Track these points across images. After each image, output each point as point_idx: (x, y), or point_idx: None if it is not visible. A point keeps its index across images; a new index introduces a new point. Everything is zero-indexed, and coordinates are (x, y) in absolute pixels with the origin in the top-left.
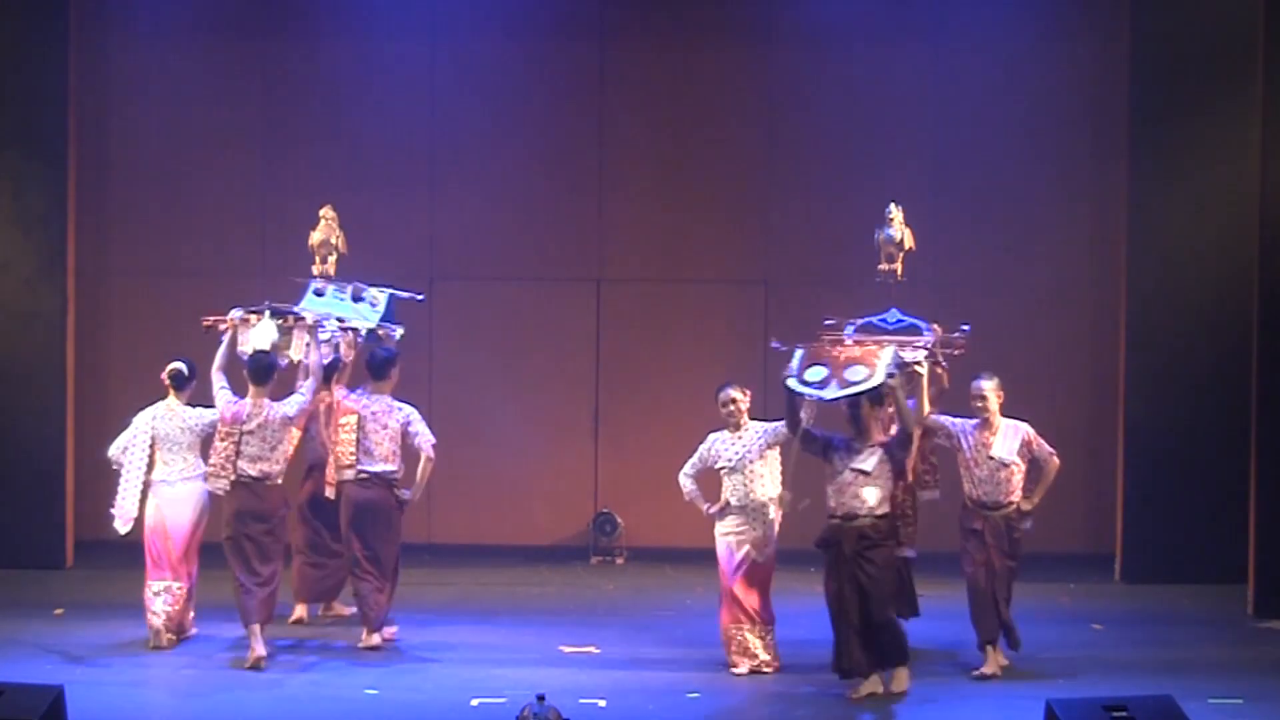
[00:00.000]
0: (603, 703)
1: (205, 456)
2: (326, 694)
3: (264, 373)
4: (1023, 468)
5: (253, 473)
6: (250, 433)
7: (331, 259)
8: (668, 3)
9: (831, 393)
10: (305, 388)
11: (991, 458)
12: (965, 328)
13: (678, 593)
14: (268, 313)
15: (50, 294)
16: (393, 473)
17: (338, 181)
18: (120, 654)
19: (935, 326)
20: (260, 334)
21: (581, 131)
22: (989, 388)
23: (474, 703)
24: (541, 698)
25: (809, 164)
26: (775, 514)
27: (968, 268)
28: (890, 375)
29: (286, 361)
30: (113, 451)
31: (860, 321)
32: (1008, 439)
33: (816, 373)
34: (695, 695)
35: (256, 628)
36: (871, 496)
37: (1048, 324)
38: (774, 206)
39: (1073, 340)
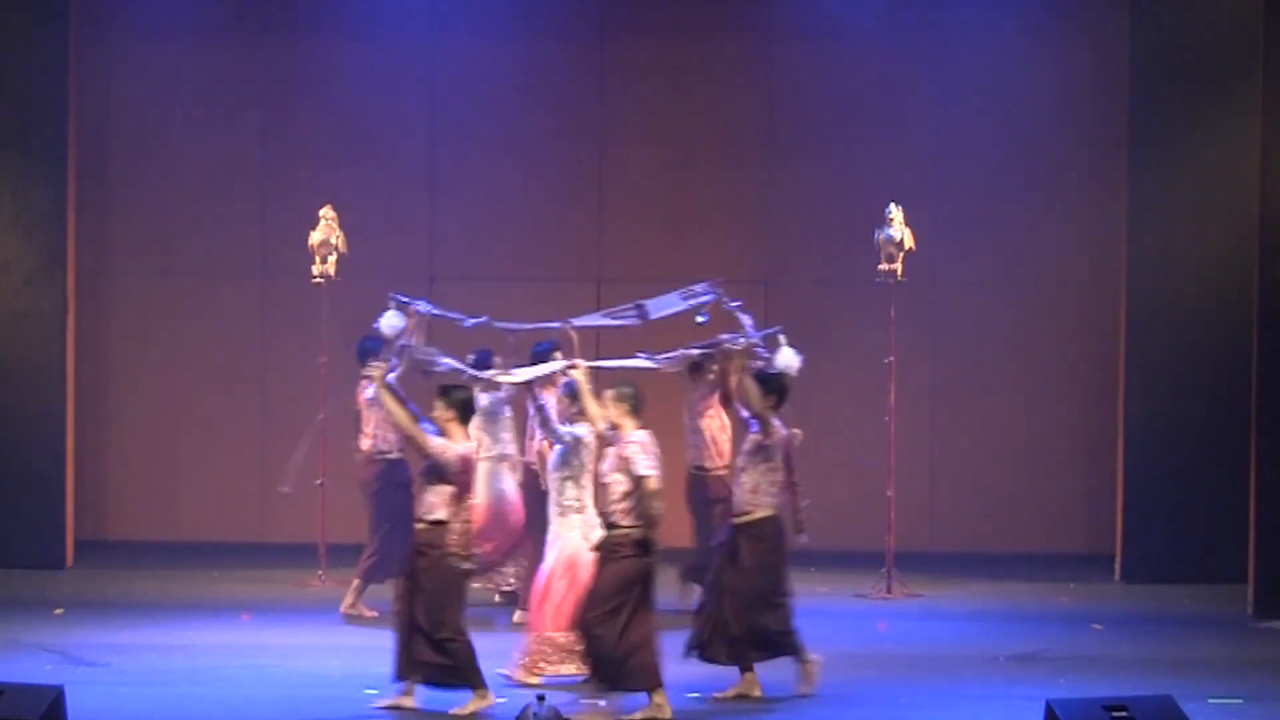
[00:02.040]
0: (603, 702)
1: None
2: (327, 693)
3: (360, 356)
4: (626, 485)
5: (361, 446)
6: (357, 411)
7: (331, 259)
8: (668, 2)
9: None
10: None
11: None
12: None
13: (677, 592)
14: (392, 301)
15: (50, 294)
16: (529, 462)
17: (338, 181)
18: (120, 654)
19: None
20: (384, 320)
21: (581, 131)
22: (608, 397)
23: None
24: (542, 698)
25: (809, 163)
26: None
27: (968, 268)
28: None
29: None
30: None
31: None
32: (616, 455)
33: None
34: (695, 695)
35: (356, 582)
36: (424, 500)
37: (1048, 324)
38: (774, 206)
39: (1073, 340)
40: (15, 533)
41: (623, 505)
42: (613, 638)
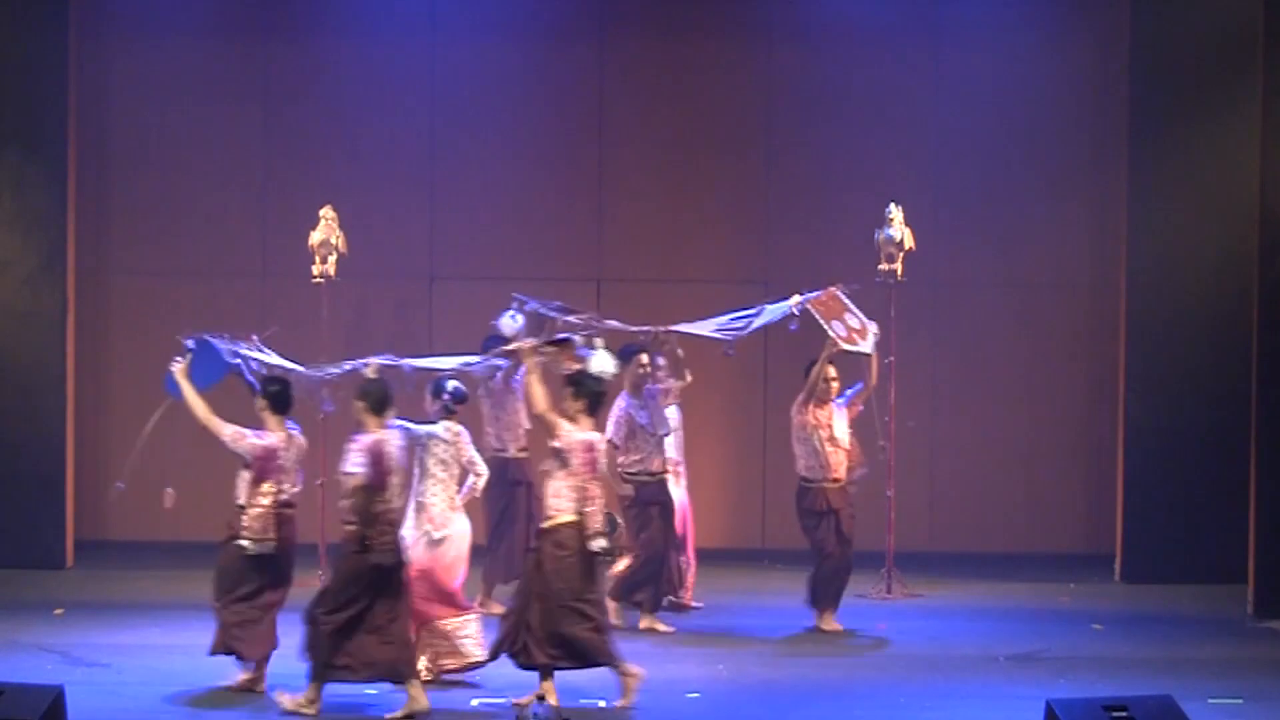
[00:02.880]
0: (603, 703)
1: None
2: (325, 694)
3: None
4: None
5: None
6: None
7: (331, 259)
8: (667, 3)
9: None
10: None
11: None
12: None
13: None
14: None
15: (50, 294)
16: None
17: (338, 181)
18: (120, 654)
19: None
20: (504, 320)
21: (581, 131)
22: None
23: (474, 703)
24: (542, 698)
25: (809, 164)
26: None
27: (968, 267)
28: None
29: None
30: None
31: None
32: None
33: None
34: (695, 695)
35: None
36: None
37: (1048, 324)
38: (774, 206)
39: (1073, 340)
40: (15, 533)
41: (348, 503)
42: (329, 630)
